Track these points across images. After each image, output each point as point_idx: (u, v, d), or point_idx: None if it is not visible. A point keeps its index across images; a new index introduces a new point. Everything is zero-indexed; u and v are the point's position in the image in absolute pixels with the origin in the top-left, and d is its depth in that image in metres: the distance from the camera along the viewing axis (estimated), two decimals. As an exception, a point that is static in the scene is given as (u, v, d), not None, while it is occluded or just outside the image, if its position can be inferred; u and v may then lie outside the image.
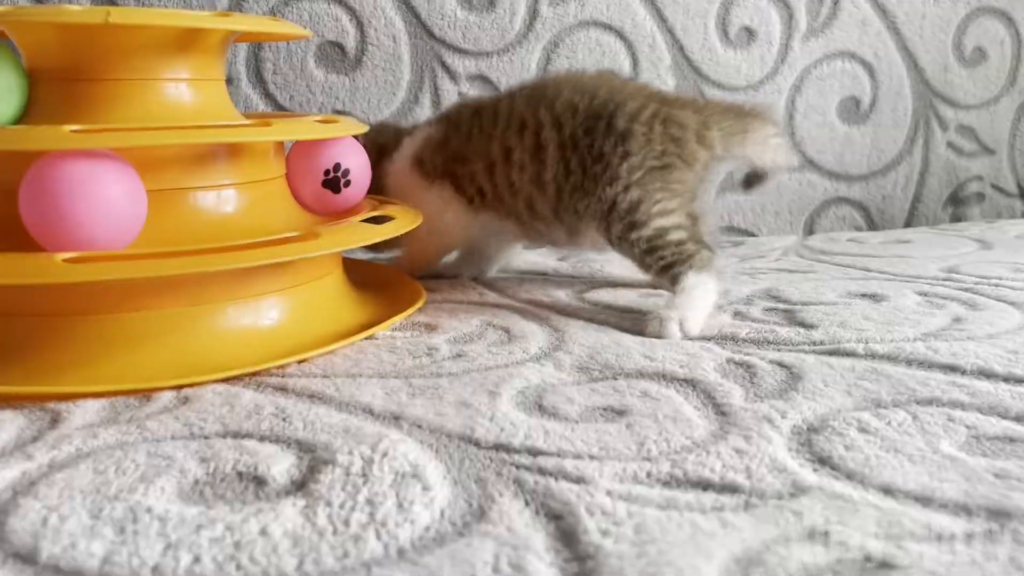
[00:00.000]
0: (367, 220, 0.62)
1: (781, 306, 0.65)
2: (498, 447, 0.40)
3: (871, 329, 0.57)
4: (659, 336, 0.58)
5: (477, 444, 0.40)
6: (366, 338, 0.58)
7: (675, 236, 0.64)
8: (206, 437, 0.42)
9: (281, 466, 0.38)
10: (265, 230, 0.59)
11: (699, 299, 0.61)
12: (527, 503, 0.34)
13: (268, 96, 0.97)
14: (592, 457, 0.39)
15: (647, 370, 0.51)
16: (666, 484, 0.36)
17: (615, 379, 0.50)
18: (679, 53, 1.06)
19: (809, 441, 0.40)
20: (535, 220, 0.72)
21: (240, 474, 0.37)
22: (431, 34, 1.00)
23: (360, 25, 0.98)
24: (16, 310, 0.52)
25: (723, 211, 1.10)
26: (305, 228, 0.63)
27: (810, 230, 1.12)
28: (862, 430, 0.41)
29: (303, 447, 0.40)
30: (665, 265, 0.63)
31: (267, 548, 0.31)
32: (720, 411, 0.44)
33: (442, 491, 0.35)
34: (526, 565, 0.30)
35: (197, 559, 0.30)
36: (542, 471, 0.37)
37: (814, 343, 0.55)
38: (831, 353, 0.53)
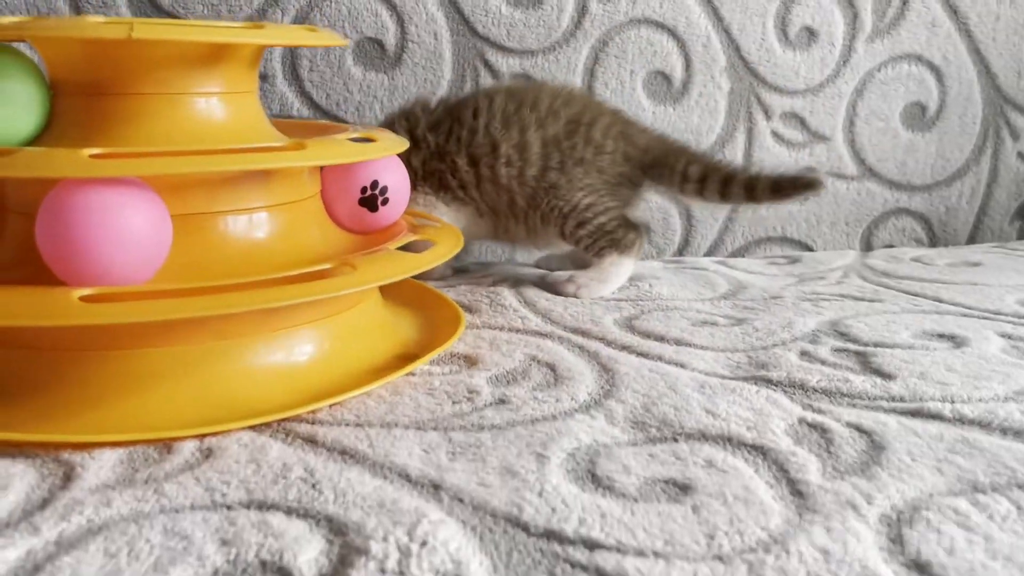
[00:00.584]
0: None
1: (852, 346, 0.60)
2: (549, 535, 0.36)
3: (956, 384, 0.52)
4: (565, 295, 0.75)
5: (526, 529, 0.36)
6: (407, 374, 0.54)
7: (608, 227, 0.76)
8: (228, 507, 0.38)
9: (309, 554, 0.34)
10: (298, 255, 0.56)
11: (611, 277, 0.76)
12: (586, 619, 0.30)
13: (304, 94, 0.93)
14: (657, 554, 0.34)
15: (710, 430, 0.46)
16: (744, 597, 0.32)
17: (675, 440, 0.45)
18: (735, 54, 1.00)
19: (901, 537, 0.36)
20: (511, 217, 0.80)
21: (264, 564, 0.34)
22: (474, 31, 0.95)
23: (401, 21, 0.93)
24: (31, 343, 0.48)
25: (775, 222, 1.04)
26: (340, 253, 0.59)
27: (867, 243, 1.06)
28: (961, 524, 0.37)
29: (333, 527, 0.36)
30: (597, 251, 0.77)
31: None
32: (796, 490, 0.40)
33: (489, 599, 0.31)
34: None
35: None
36: (601, 574, 0.33)
37: (893, 399, 0.50)
38: (914, 414, 0.48)
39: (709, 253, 1.03)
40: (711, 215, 1.03)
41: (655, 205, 0.99)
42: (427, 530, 0.36)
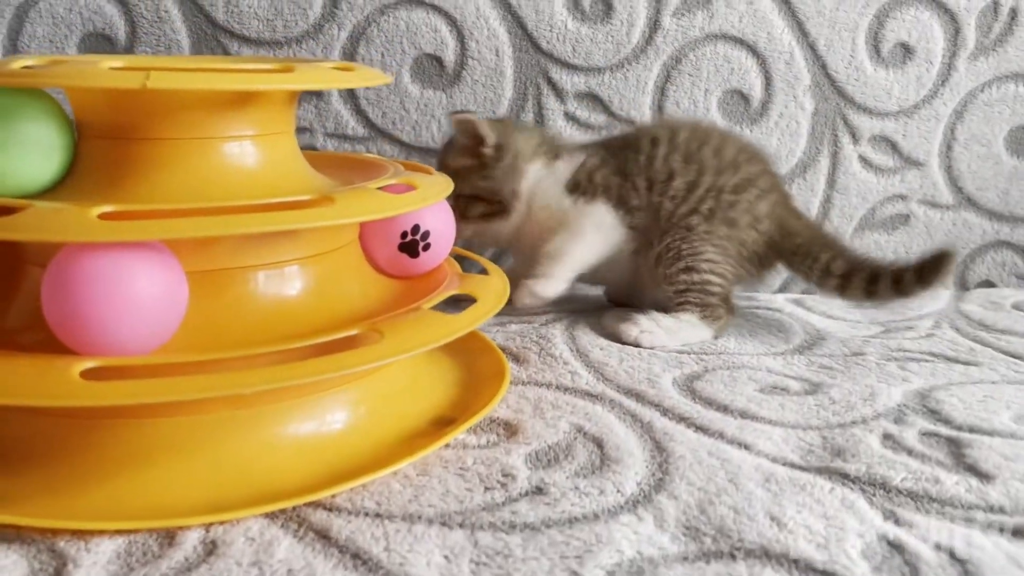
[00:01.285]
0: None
1: (943, 430, 0.53)
2: None
3: (1068, 492, 0.45)
4: (624, 340, 0.70)
5: None
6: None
7: (712, 288, 0.72)
8: (219, 630, 0.34)
9: None
10: (332, 311, 0.52)
11: (681, 332, 0.71)
12: None
13: (359, 112, 0.90)
14: None
15: (773, 546, 0.40)
16: None
17: (732, 557, 0.39)
18: (820, 71, 0.92)
19: None
20: (652, 249, 0.76)
21: None
22: (537, 47, 0.90)
23: (461, 37, 0.89)
24: (37, 408, 0.45)
25: (861, 252, 0.96)
26: (377, 305, 0.55)
27: (963, 277, 0.97)
28: None
29: (330, 667, 0.32)
30: (684, 301, 0.72)
31: None
32: (872, 641, 0.34)
33: None
34: None
35: None
36: None
37: (991, 509, 0.44)
38: (1016, 534, 0.41)
39: (785, 286, 0.96)
40: (788, 244, 0.95)
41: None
42: None
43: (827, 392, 0.59)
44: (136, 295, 0.42)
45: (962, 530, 0.42)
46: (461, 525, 0.42)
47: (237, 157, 0.51)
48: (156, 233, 0.42)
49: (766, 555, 0.40)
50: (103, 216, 0.42)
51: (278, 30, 0.88)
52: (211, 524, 0.42)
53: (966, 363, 0.65)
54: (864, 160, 0.95)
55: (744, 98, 0.93)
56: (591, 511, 0.43)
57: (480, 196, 0.76)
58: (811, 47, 0.92)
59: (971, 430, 0.53)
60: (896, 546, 0.40)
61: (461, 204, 0.76)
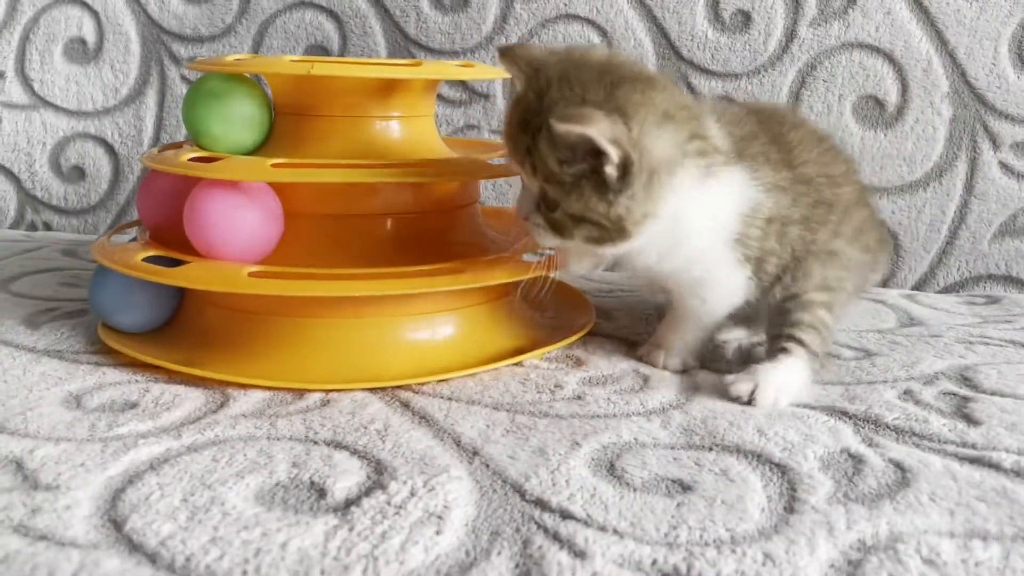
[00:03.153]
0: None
1: (963, 392, 0.58)
2: (537, 501, 0.42)
3: (1046, 439, 0.49)
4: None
5: (522, 494, 0.43)
6: (515, 364, 0.62)
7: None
8: (314, 442, 0.49)
9: (346, 483, 0.44)
10: (446, 252, 0.66)
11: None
12: (517, 566, 0.37)
13: (519, 112, 1.04)
14: (615, 531, 0.39)
15: (747, 445, 0.49)
16: (660, 577, 0.36)
17: (709, 450, 0.49)
18: (960, 79, 0.95)
19: (861, 563, 0.37)
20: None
21: (312, 483, 0.44)
22: (679, 55, 1.00)
23: (611, 46, 1.01)
24: (229, 304, 0.63)
25: (1000, 258, 0.97)
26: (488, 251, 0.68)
27: (1113, 290, 0.95)
28: (928, 561, 0.37)
29: (377, 467, 0.46)
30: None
31: (275, 560, 0.37)
32: (789, 507, 0.42)
33: (451, 537, 0.39)
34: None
35: (220, 556, 0.37)
36: (556, 536, 0.39)
37: (963, 444, 0.49)
38: (972, 461, 0.47)
39: (916, 288, 0.99)
40: (922, 247, 0.98)
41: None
42: (441, 480, 0.44)
43: (876, 359, 0.65)
44: (237, 222, 0.58)
45: (923, 454, 0.48)
46: (508, 410, 0.54)
47: (384, 131, 0.67)
48: (300, 177, 0.58)
49: (738, 450, 0.49)
50: (275, 165, 0.59)
51: (456, 42, 1.04)
52: (330, 391, 0.57)
53: (1038, 350, 0.68)
54: (1005, 167, 0.96)
55: (879, 103, 0.97)
56: (612, 413, 0.54)
57: (586, 218, 0.54)
58: (950, 55, 0.95)
59: (991, 394, 0.57)
60: (854, 456, 0.48)
61: (557, 220, 0.55)
